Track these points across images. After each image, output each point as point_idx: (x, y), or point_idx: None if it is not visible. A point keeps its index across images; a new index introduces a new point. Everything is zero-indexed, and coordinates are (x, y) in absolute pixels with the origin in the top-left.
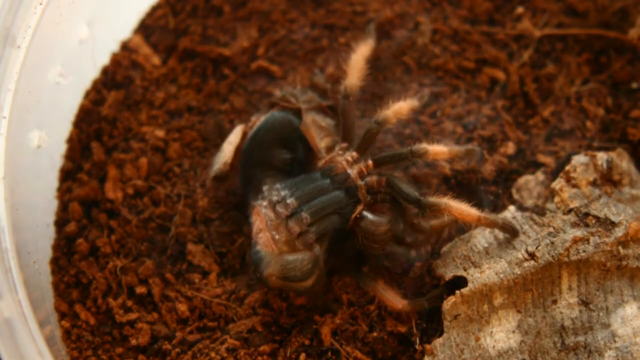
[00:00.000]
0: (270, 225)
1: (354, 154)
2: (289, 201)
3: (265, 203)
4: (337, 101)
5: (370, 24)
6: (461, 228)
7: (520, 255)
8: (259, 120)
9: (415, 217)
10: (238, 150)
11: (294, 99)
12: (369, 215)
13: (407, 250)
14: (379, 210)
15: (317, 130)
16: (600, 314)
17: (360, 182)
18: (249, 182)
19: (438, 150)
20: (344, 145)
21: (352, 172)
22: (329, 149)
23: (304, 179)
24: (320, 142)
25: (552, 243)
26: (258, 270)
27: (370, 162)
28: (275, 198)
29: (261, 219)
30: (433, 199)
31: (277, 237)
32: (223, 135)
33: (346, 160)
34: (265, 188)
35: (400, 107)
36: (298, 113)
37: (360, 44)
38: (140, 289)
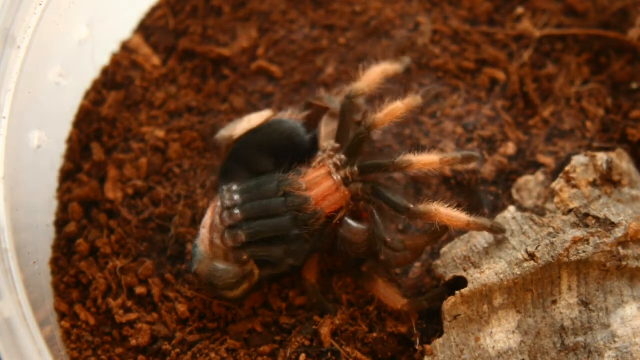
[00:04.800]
0: (214, 227)
1: (343, 157)
2: (236, 212)
3: (219, 204)
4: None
5: (407, 57)
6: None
7: (520, 256)
8: (292, 114)
9: (390, 234)
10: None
11: (327, 102)
12: (349, 221)
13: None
14: (365, 216)
15: (329, 131)
16: (600, 314)
17: (344, 190)
18: (225, 173)
19: (426, 160)
20: (337, 146)
21: (337, 177)
22: (324, 149)
23: (261, 186)
24: (324, 143)
25: (552, 243)
26: (192, 262)
27: (356, 168)
28: (227, 202)
29: (211, 216)
30: (423, 207)
31: (215, 241)
32: None
33: (334, 164)
34: (225, 187)
35: (395, 109)
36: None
37: (388, 61)
38: (140, 290)
